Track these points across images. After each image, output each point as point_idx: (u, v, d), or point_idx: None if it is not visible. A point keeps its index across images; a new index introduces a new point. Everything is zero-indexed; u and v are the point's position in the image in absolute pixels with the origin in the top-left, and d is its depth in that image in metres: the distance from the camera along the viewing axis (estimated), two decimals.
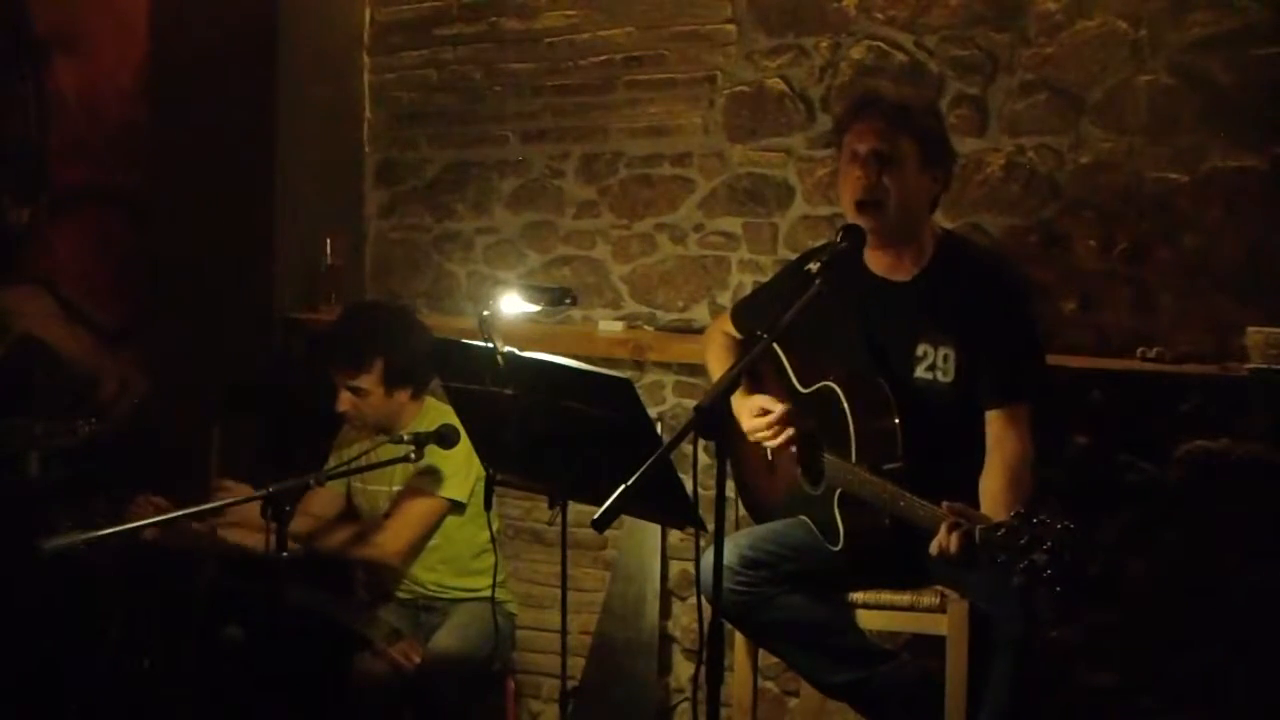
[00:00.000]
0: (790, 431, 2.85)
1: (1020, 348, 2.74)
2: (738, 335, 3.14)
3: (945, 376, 2.74)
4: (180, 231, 3.99)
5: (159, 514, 3.10)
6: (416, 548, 3.31)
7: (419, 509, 3.28)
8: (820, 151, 3.59)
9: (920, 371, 2.76)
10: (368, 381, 3.26)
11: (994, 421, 2.69)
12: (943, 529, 2.39)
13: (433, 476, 3.26)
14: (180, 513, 3.00)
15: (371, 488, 3.41)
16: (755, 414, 2.88)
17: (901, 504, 2.53)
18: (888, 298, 2.81)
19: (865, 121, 2.75)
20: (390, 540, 3.27)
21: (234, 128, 3.96)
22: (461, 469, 3.23)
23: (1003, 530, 2.25)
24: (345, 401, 3.30)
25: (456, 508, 3.31)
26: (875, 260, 2.84)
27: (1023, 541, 2.21)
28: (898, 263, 2.81)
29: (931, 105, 3.00)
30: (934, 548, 2.42)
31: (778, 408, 2.86)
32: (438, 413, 3.27)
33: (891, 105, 2.75)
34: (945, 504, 2.41)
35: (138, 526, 2.93)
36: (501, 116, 4.08)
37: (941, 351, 2.74)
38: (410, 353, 3.26)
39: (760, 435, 2.88)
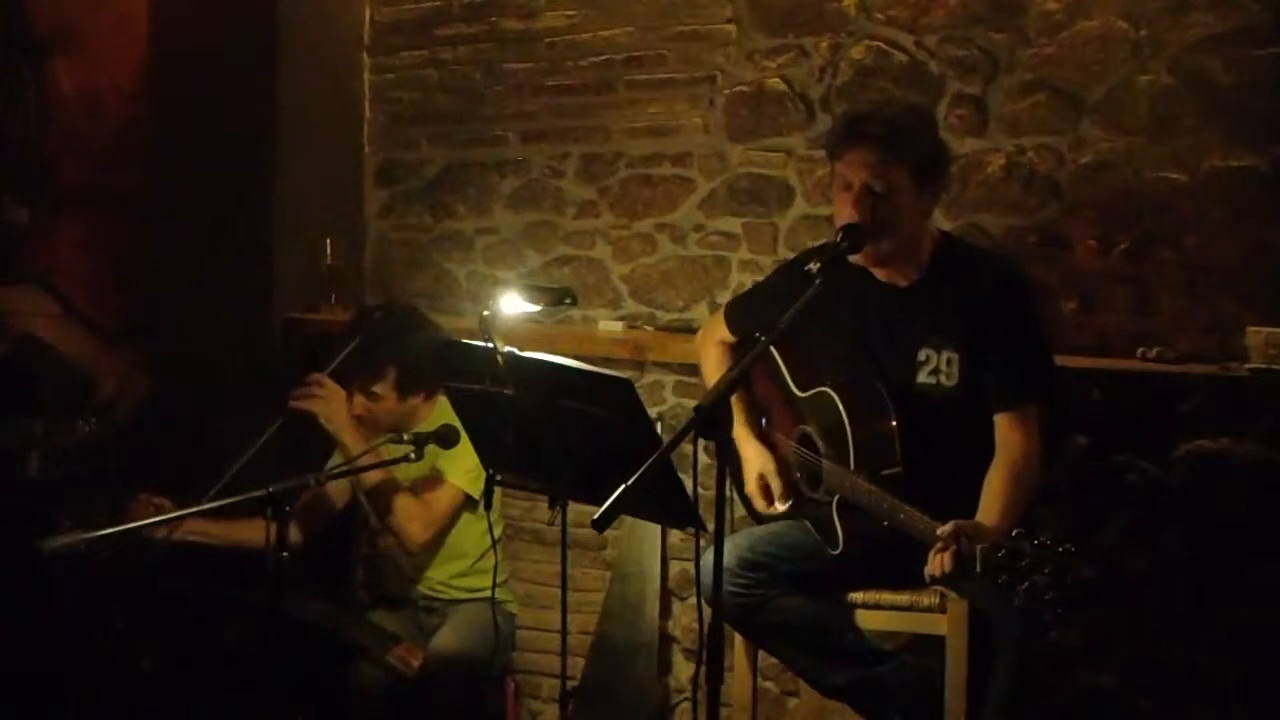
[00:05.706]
0: (787, 506, 2.91)
1: (1026, 349, 2.72)
2: (731, 336, 3.12)
3: (949, 380, 2.73)
4: (180, 231, 4.00)
5: (159, 514, 3.11)
6: (438, 540, 3.31)
7: (443, 499, 3.26)
8: (820, 151, 3.57)
9: (923, 377, 2.74)
10: (381, 387, 3.26)
11: (1002, 423, 2.68)
12: (934, 549, 2.39)
13: (450, 472, 3.26)
14: (181, 513, 3.00)
15: None
16: (756, 478, 2.94)
17: (901, 516, 2.51)
18: (887, 303, 2.80)
19: (856, 152, 2.67)
20: (419, 530, 3.24)
21: (234, 128, 3.96)
22: (475, 466, 3.21)
23: (1004, 552, 2.24)
24: (359, 406, 3.28)
25: (470, 502, 3.31)
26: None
27: (1024, 564, 2.20)
28: (896, 269, 2.79)
29: (923, 119, 2.86)
30: (929, 570, 2.42)
31: (777, 486, 2.91)
32: (450, 413, 3.26)
33: (882, 132, 2.65)
34: (942, 527, 2.39)
35: (138, 526, 2.93)
36: (501, 116, 4.07)
37: (944, 355, 2.73)
38: (422, 355, 3.25)
39: (759, 504, 2.96)
